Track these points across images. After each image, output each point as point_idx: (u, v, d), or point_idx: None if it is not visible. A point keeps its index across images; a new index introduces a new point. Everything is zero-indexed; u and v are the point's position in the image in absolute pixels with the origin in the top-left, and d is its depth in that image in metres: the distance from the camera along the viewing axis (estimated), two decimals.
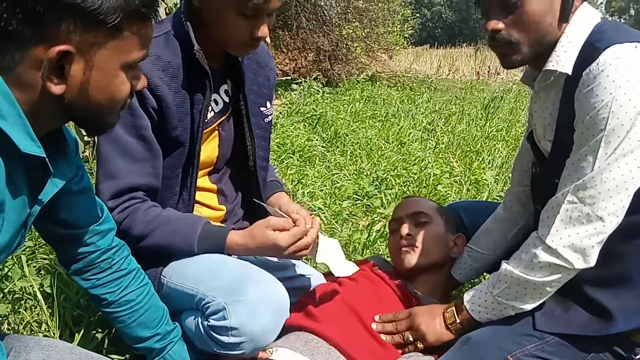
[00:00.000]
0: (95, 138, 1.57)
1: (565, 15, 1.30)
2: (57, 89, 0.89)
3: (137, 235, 1.41)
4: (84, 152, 3.09)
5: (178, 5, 3.25)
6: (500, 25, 1.32)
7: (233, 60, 1.54)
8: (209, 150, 1.56)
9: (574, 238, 1.28)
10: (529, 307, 1.38)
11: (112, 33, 0.89)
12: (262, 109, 1.65)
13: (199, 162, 1.51)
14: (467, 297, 1.46)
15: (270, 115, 1.69)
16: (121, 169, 1.39)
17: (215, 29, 1.39)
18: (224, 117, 1.57)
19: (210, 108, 1.52)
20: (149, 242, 1.42)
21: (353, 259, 2.33)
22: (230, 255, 1.46)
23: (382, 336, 1.51)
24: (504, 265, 1.39)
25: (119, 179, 1.39)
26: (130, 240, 1.40)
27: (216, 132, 1.57)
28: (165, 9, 3.22)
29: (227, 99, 1.57)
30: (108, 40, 0.90)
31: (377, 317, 1.53)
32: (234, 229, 1.50)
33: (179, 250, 1.43)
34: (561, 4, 1.30)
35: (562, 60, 1.30)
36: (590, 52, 1.26)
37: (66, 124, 1.05)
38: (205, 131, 1.51)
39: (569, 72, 1.29)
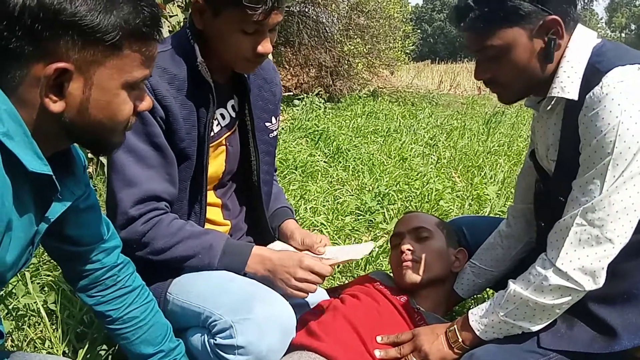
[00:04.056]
0: None
1: (549, 58, 1.32)
2: (55, 106, 0.88)
3: (160, 247, 1.42)
4: (87, 167, 3.10)
5: (181, 23, 3.30)
6: (487, 75, 1.39)
7: (239, 75, 1.55)
8: (216, 164, 1.58)
9: (584, 260, 1.28)
10: (537, 327, 1.38)
11: (111, 51, 0.89)
12: (267, 124, 1.66)
13: (207, 176, 1.52)
14: (472, 316, 1.45)
15: (275, 130, 1.70)
16: (139, 175, 1.39)
17: (219, 47, 1.42)
18: (230, 132, 1.59)
19: (217, 122, 1.54)
20: (171, 254, 1.43)
21: (356, 275, 2.33)
22: (245, 274, 1.46)
23: None
24: (512, 286, 1.39)
25: (139, 186, 1.39)
26: (151, 252, 1.41)
27: (223, 146, 1.59)
28: (168, 26, 3.25)
29: (233, 114, 1.59)
30: (108, 58, 0.89)
31: (379, 339, 1.53)
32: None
33: (200, 264, 1.44)
34: (544, 48, 1.32)
35: (567, 86, 1.31)
36: (593, 74, 1.27)
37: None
38: (211, 145, 1.52)
39: (575, 97, 1.30)
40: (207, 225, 1.60)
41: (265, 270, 1.46)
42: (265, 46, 1.40)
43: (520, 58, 1.33)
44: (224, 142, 1.58)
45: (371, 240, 2.78)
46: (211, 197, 1.62)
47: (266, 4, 1.30)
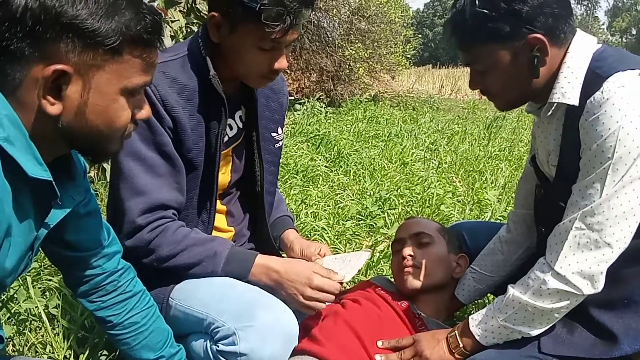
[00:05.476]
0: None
1: (534, 73, 1.34)
2: (53, 109, 0.88)
3: (166, 255, 1.42)
4: (88, 172, 3.10)
5: (182, 28, 3.31)
6: (479, 86, 1.43)
7: (247, 86, 1.55)
8: (223, 175, 1.58)
9: (583, 264, 1.28)
10: (536, 332, 1.37)
11: (111, 56, 0.89)
12: (274, 134, 1.66)
13: (217, 186, 1.52)
14: (472, 322, 1.45)
15: (281, 140, 1.70)
16: (148, 184, 1.39)
17: (234, 62, 1.41)
18: (237, 142, 1.59)
19: (225, 133, 1.53)
20: (176, 262, 1.43)
21: (357, 280, 2.33)
22: (248, 282, 1.46)
23: None
24: (511, 291, 1.39)
25: (147, 195, 1.39)
26: (157, 259, 1.41)
27: (230, 157, 1.59)
28: (170, 31, 3.26)
29: (241, 125, 1.59)
30: (107, 62, 0.90)
31: (379, 343, 1.53)
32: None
33: (204, 271, 1.44)
34: (529, 64, 1.33)
35: (568, 92, 1.32)
36: (593, 79, 1.28)
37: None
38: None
39: (576, 103, 1.30)
40: (213, 232, 1.60)
41: (271, 281, 1.45)
42: (281, 62, 1.40)
43: (506, 74, 1.36)
44: (230, 152, 1.59)
45: (372, 244, 2.79)
46: (217, 204, 1.62)
47: (285, 22, 1.30)
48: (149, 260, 1.42)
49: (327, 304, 1.47)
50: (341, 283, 1.49)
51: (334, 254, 1.69)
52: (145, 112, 1.01)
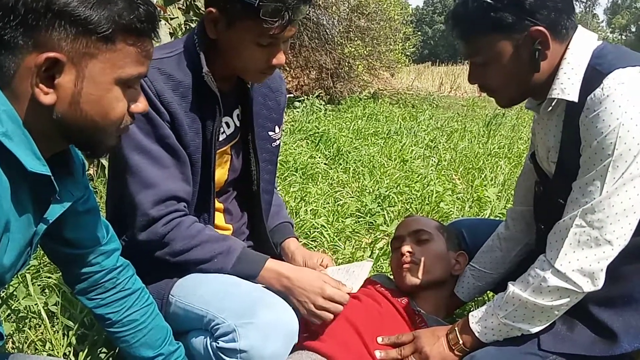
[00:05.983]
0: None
1: (535, 67, 1.33)
2: (46, 98, 0.88)
3: (179, 249, 1.42)
4: (87, 170, 3.09)
5: (181, 25, 3.30)
6: (478, 80, 1.42)
7: (243, 84, 1.55)
8: (220, 173, 1.58)
9: (583, 262, 1.28)
10: (536, 329, 1.37)
11: (104, 44, 0.89)
12: (271, 133, 1.66)
13: (214, 184, 1.52)
14: (472, 318, 1.45)
15: (278, 139, 1.70)
16: (157, 176, 1.39)
17: (231, 58, 1.41)
18: (235, 141, 1.59)
19: (221, 130, 1.53)
20: (189, 257, 1.43)
21: None
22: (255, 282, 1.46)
23: None
24: (511, 288, 1.39)
25: (157, 187, 1.39)
26: (170, 253, 1.41)
27: (228, 155, 1.59)
28: (169, 28, 3.25)
29: (238, 123, 1.59)
30: (100, 51, 0.89)
31: (380, 340, 1.53)
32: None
33: (213, 267, 1.44)
34: (530, 58, 1.32)
35: (567, 88, 1.31)
36: (593, 76, 1.27)
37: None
38: (217, 152, 1.52)
39: (575, 99, 1.30)
40: None
41: (281, 287, 1.46)
42: (279, 58, 1.39)
43: (507, 67, 1.35)
44: (229, 150, 1.59)
45: (371, 242, 2.79)
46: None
47: (283, 18, 1.29)
48: (162, 253, 1.42)
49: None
50: (349, 294, 1.51)
51: (337, 264, 1.69)
52: (141, 105, 1.00)
